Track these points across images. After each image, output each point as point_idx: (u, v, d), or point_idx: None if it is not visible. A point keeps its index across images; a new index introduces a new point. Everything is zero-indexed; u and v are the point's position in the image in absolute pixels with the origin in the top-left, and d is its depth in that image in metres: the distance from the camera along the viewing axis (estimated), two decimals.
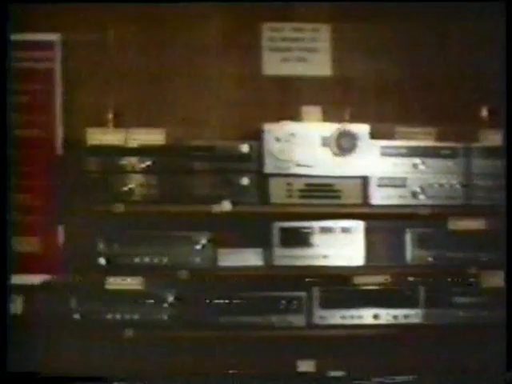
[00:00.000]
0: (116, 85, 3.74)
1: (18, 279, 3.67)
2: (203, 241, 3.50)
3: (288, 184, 3.45)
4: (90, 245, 3.52)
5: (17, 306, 3.64)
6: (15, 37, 3.72)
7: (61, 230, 3.73)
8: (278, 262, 3.52)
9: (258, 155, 3.45)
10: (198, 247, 3.50)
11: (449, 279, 3.56)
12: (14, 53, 3.75)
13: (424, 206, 3.49)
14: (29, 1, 3.24)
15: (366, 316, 3.51)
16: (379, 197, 3.48)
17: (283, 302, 3.48)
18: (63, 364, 3.51)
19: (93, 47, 3.75)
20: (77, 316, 3.47)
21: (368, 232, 3.56)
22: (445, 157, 3.53)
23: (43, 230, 3.74)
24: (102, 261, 3.51)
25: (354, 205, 3.47)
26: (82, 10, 3.74)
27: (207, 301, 3.48)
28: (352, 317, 3.50)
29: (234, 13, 3.71)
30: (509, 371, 2.82)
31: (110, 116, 3.72)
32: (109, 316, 3.48)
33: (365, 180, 3.49)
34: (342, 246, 3.52)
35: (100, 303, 3.48)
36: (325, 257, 3.50)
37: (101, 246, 3.52)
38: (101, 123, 3.68)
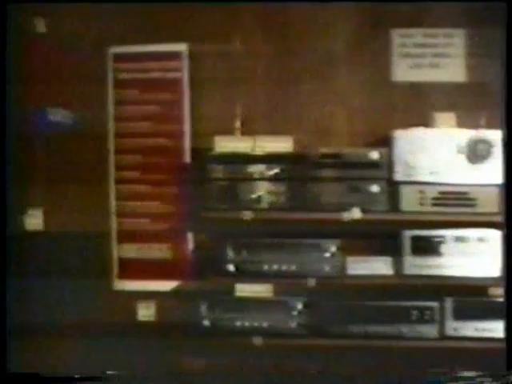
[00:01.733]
0: (243, 93, 3.76)
1: (149, 285, 3.81)
2: (332, 248, 3.47)
3: (420, 192, 3.37)
4: (219, 251, 3.57)
5: (150, 311, 3.75)
6: (144, 48, 3.87)
7: (190, 236, 3.82)
8: (409, 271, 3.45)
9: (387, 162, 3.41)
10: (327, 255, 3.48)
11: None
12: (142, 64, 3.91)
13: None
14: (29, 1, 3.28)
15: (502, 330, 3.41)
16: None
17: (414, 312, 3.41)
18: (189, 369, 3.58)
19: (219, 56, 3.80)
20: (207, 323, 3.53)
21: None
22: None
23: (173, 237, 3.83)
24: (231, 268, 3.56)
25: (491, 213, 3.35)
26: (207, 20, 3.81)
27: (336, 309, 3.46)
28: (486, 330, 3.40)
29: (363, 19, 3.67)
30: (509, 371, 2.70)
31: (238, 124, 3.78)
32: (238, 323, 3.52)
33: (501, 188, 3.38)
34: (477, 255, 3.41)
35: (229, 310, 3.52)
36: (458, 266, 3.40)
37: (230, 253, 3.55)
38: (228, 131, 3.74)
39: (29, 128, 3.71)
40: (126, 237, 3.86)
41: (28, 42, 3.80)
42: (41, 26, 3.68)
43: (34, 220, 3.62)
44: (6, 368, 2.65)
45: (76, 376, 2.82)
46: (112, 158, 3.87)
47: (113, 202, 3.86)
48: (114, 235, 3.86)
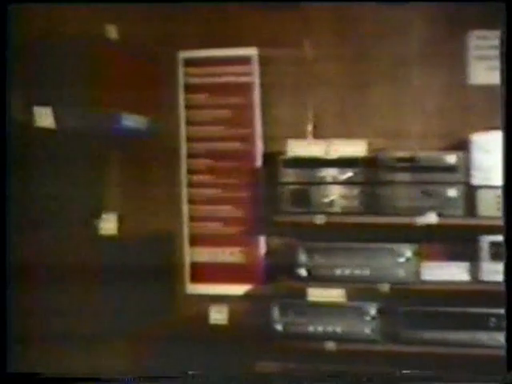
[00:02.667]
0: (315, 96, 3.75)
1: (221, 289, 3.84)
2: (407, 253, 3.42)
3: (499, 196, 3.26)
4: (292, 255, 3.55)
5: (222, 315, 3.77)
6: (214, 52, 3.89)
7: (262, 240, 3.83)
8: (487, 277, 3.37)
9: (465, 166, 3.34)
10: (402, 260, 3.42)
11: None
12: (213, 68, 3.93)
13: None
14: (29, 1, 3.26)
15: None
16: None
17: (492, 319, 3.32)
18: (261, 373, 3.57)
19: (290, 60, 3.79)
20: (279, 327, 3.52)
21: None
22: None
23: (245, 241, 3.84)
24: (303, 272, 3.54)
25: None
26: (278, 24, 3.80)
27: (411, 315, 3.40)
28: None
29: (438, 21, 3.60)
30: (509, 372, 2.60)
31: (310, 127, 3.77)
32: (310, 328, 3.50)
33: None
34: None
35: (301, 314, 3.50)
36: None
37: (302, 257, 3.54)
38: (300, 135, 3.74)
39: (103, 133, 3.75)
40: (199, 240, 3.89)
41: (100, 49, 3.84)
42: (112, 32, 3.72)
43: (108, 224, 3.66)
44: (6, 368, 2.66)
45: (77, 377, 2.80)
46: (184, 162, 3.92)
47: (185, 206, 3.91)
48: (186, 239, 3.91)
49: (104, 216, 3.69)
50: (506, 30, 2.65)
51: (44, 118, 3.21)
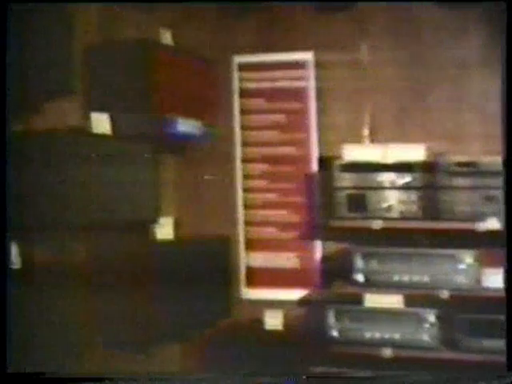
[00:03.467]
0: (371, 101, 3.72)
1: (277, 294, 3.82)
2: (468, 260, 3.36)
3: None
4: (348, 261, 3.52)
5: (277, 320, 3.75)
6: (269, 57, 3.89)
7: (318, 245, 3.81)
8: None
9: None
10: (462, 266, 3.36)
11: None
12: (268, 73, 3.93)
13: None
14: (30, 0, 3.26)
15: None
16: None
17: None
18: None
19: (346, 64, 3.76)
20: (335, 333, 3.49)
21: None
22: None
23: (301, 246, 3.83)
24: (360, 277, 3.51)
25: None
26: (333, 28, 3.78)
27: (471, 323, 3.34)
28: None
29: (498, 24, 3.54)
30: (509, 372, 2.55)
31: (366, 132, 3.74)
32: (367, 334, 3.46)
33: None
34: None
35: (358, 320, 3.47)
36: None
37: (359, 263, 3.50)
38: (356, 139, 3.71)
39: (158, 137, 3.77)
40: (254, 245, 3.89)
41: (156, 54, 3.87)
42: (167, 37, 3.74)
43: (165, 229, 3.67)
44: (6, 368, 2.66)
45: (78, 377, 2.78)
46: (239, 167, 3.92)
47: (241, 211, 3.91)
48: (241, 243, 3.91)
49: (161, 220, 3.71)
50: (506, 29, 2.62)
51: (101, 123, 3.24)
